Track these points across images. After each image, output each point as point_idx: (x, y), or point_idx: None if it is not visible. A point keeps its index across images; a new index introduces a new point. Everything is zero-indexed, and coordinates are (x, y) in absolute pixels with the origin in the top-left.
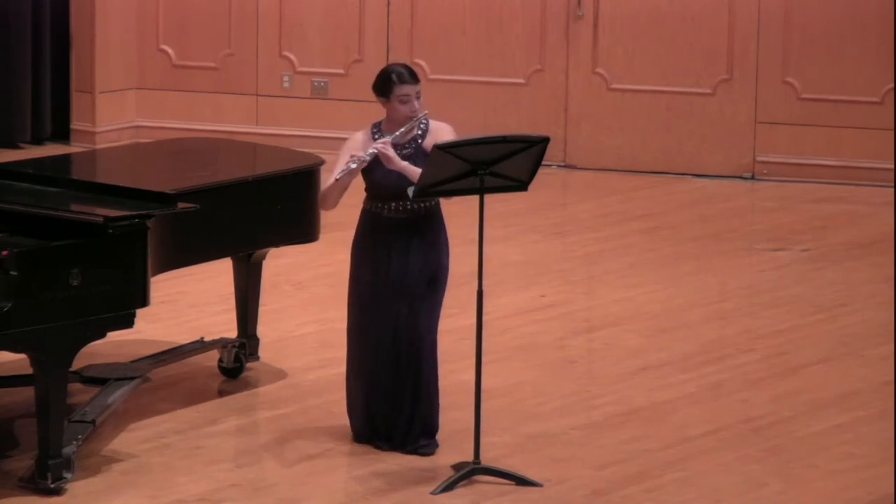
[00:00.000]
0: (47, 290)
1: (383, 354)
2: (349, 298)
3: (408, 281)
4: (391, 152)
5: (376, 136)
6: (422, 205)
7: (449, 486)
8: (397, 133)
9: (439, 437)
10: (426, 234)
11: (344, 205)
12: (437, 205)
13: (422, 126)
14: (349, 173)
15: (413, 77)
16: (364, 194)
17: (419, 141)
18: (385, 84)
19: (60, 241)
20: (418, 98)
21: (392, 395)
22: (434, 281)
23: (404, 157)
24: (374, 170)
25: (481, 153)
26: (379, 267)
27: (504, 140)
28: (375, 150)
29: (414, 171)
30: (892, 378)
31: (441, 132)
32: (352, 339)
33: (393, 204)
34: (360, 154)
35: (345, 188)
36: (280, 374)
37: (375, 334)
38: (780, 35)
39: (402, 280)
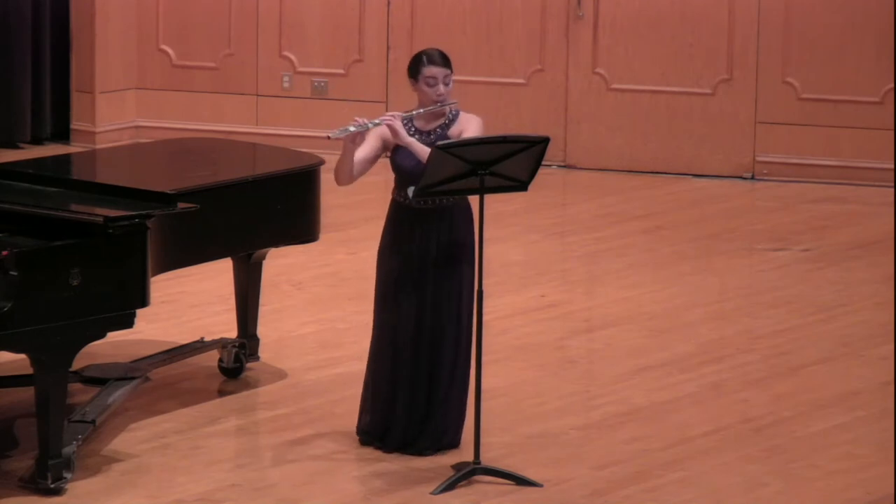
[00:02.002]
0: (47, 290)
1: (402, 352)
2: (375, 289)
3: (429, 265)
4: (398, 124)
5: (405, 122)
6: (447, 197)
7: (449, 486)
8: (414, 111)
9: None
10: (450, 223)
11: (344, 206)
12: (464, 197)
13: (451, 114)
14: (347, 134)
15: (444, 61)
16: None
17: (445, 129)
18: (415, 65)
19: (60, 241)
20: (447, 84)
21: (407, 396)
22: (456, 260)
23: (428, 144)
24: (396, 153)
25: (481, 153)
26: (402, 259)
27: (504, 140)
28: (381, 121)
29: (420, 149)
30: (892, 378)
31: (469, 122)
32: (374, 330)
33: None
34: (365, 119)
35: (363, 165)
36: (280, 374)
37: (395, 328)
38: (780, 35)
39: (423, 266)
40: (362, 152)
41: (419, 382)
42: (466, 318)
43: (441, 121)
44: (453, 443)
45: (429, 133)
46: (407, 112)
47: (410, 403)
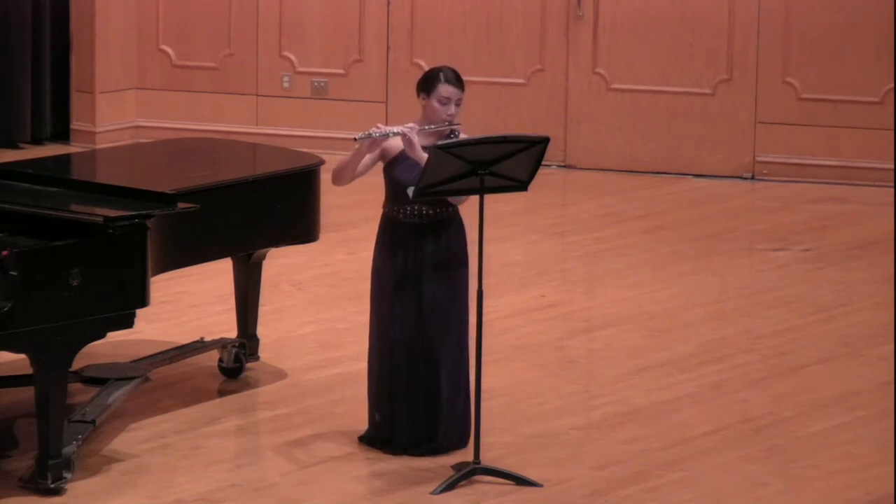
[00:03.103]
0: (47, 290)
1: (401, 364)
2: (371, 303)
3: (423, 276)
4: (415, 138)
5: None
6: (439, 209)
7: (449, 486)
8: (427, 126)
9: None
10: (444, 236)
11: (343, 206)
12: (455, 210)
13: (454, 135)
14: (370, 140)
15: (459, 82)
16: (379, 203)
17: None
18: (430, 81)
19: (60, 241)
20: (458, 105)
21: (409, 407)
22: (450, 269)
23: None
24: (395, 166)
25: (481, 153)
26: (396, 272)
27: (504, 140)
28: (401, 130)
29: None
30: (892, 378)
31: None
32: (371, 343)
33: (408, 208)
34: (386, 128)
35: (362, 170)
36: (280, 374)
37: (393, 339)
38: (780, 35)
39: (417, 278)
40: (365, 158)
41: (419, 392)
42: (465, 326)
43: (441, 139)
44: (458, 446)
45: (427, 150)
46: (421, 126)
47: (412, 415)
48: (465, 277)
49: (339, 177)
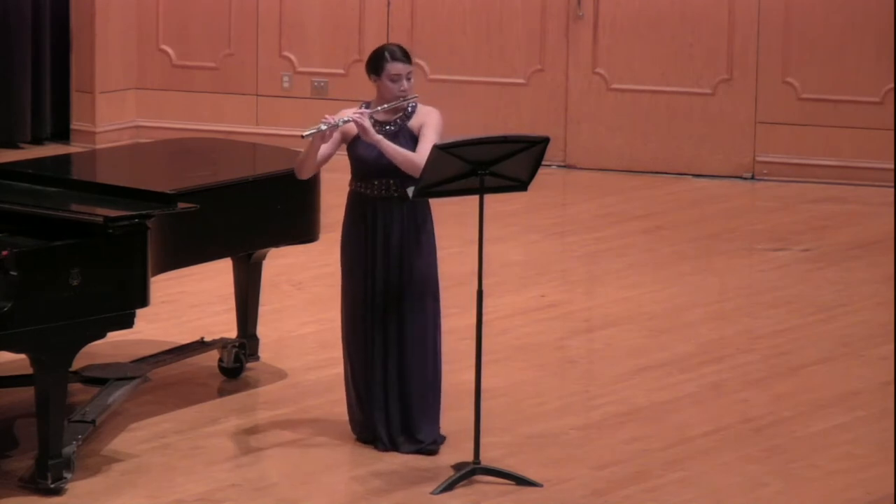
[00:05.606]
0: (47, 290)
1: (372, 347)
2: (341, 292)
3: (391, 252)
4: (367, 123)
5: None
6: (405, 182)
7: (449, 486)
8: (379, 108)
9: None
10: (411, 223)
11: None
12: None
13: (410, 106)
14: (318, 134)
15: (406, 57)
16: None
17: (405, 120)
18: (377, 61)
19: (60, 241)
20: (409, 79)
21: (381, 396)
22: (421, 293)
23: (387, 135)
24: (356, 144)
25: (481, 153)
26: (363, 249)
27: (504, 140)
28: (350, 118)
29: (388, 146)
30: (892, 378)
31: (428, 115)
32: (343, 333)
33: (376, 182)
34: (334, 118)
35: (324, 158)
36: (280, 374)
37: (364, 336)
38: (780, 35)
39: (386, 255)
40: (325, 146)
41: (391, 379)
42: (433, 304)
43: (400, 113)
44: (439, 440)
45: (387, 125)
46: (372, 109)
47: (386, 404)
48: (433, 251)
49: (301, 170)
